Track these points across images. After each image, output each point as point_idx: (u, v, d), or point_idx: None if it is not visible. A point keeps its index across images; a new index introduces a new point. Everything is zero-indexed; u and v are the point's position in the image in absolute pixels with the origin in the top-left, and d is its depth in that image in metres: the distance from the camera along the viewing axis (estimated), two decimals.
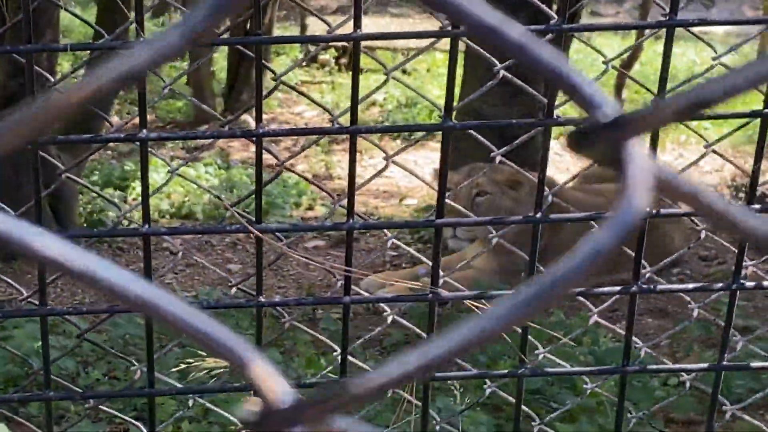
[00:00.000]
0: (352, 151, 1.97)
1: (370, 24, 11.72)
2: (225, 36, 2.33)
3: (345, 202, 1.97)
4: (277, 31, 9.04)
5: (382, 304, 2.11)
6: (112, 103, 6.57)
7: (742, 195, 6.68)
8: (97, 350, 4.24)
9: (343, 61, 11.47)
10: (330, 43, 11.38)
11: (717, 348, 4.35)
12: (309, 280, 5.53)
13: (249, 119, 9.35)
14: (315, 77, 11.25)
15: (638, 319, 4.96)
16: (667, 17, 1.87)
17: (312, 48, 10.95)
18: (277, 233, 2.01)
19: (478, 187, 5.00)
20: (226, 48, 9.61)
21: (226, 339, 0.46)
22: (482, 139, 2.00)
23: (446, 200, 2.02)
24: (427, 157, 8.44)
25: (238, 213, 1.95)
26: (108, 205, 6.62)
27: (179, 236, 5.68)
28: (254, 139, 1.93)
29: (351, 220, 1.96)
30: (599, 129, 0.45)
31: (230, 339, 0.46)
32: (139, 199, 6.93)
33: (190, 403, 2.18)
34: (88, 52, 2.90)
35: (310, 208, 7.09)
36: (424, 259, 2.14)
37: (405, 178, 7.97)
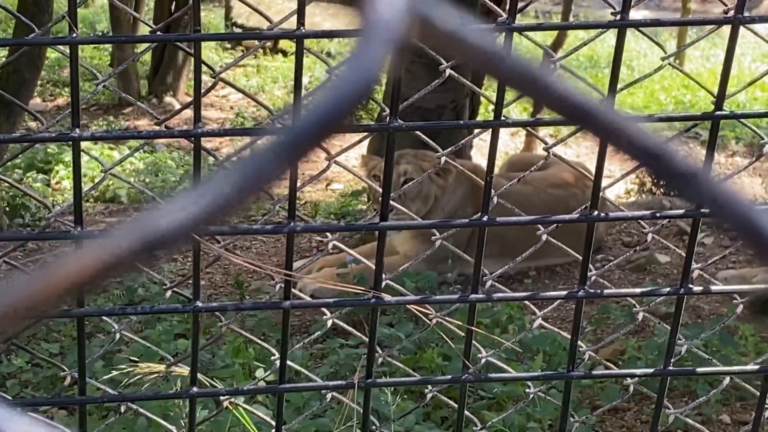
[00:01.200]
0: None
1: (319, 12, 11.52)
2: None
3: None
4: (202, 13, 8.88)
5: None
6: (35, 86, 6.36)
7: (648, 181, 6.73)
8: (20, 337, 4.11)
9: (268, 44, 11.33)
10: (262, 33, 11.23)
11: (639, 335, 4.33)
12: (235, 266, 5.40)
13: (174, 102, 9.18)
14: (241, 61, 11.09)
15: (562, 306, 4.94)
16: (619, 17, 1.80)
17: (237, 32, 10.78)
18: (216, 236, 1.92)
19: (406, 175, 4.91)
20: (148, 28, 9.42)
21: None
22: (428, 140, 1.91)
23: (369, 183, 1.94)
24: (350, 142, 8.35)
25: None
26: (30, 190, 6.45)
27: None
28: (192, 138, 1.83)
29: (292, 223, 1.87)
30: None
31: None
32: (62, 183, 6.67)
33: (122, 409, 2.08)
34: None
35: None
36: (366, 262, 2.06)
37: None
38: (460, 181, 5.17)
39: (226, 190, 0.30)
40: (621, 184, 7.18)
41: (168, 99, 9.12)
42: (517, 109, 8.21)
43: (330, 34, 1.84)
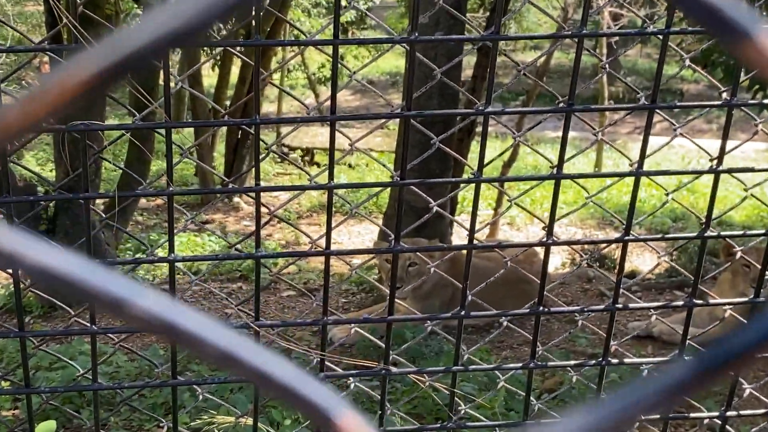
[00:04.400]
0: (326, 269, 1.86)
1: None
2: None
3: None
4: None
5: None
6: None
7: (586, 255, 6.67)
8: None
9: (307, 158, 11.41)
10: (296, 145, 11.25)
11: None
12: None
13: (241, 202, 9.19)
14: (286, 170, 11.12)
15: (519, 347, 4.90)
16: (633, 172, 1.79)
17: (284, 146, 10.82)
18: (272, 327, 1.91)
19: (410, 260, 5.06)
20: (223, 147, 9.47)
21: (311, 392, 0.32)
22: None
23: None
24: (367, 228, 8.34)
25: (240, 311, 1.84)
26: (138, 267, 6.45)
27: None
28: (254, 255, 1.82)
29: (325, 317, 1.86)
30: None
31: (315, 392, 0.32)
32: (162, 265, 6.47)
33: None
34: None
35: (285, 266, 6.96)
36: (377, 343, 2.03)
37: (350, 241, 7.85)
38: (444, 263, 5.19)
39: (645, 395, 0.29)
40: (558, 257, 7.15)
41: (236, 199, 9.13)
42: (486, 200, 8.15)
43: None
